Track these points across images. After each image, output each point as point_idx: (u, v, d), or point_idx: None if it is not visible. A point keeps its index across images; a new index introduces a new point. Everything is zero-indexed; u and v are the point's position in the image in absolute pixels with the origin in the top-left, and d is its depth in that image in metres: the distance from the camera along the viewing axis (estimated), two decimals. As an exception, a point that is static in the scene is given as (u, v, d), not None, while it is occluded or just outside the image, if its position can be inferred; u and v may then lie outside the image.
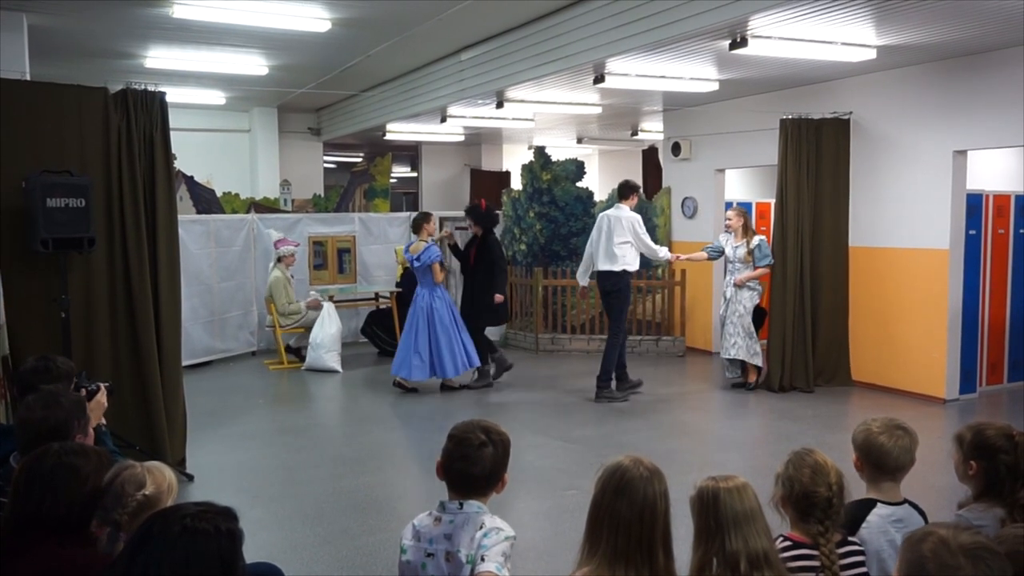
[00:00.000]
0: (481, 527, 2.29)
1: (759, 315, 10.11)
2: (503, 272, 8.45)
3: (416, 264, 7.93)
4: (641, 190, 8.33)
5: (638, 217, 7.73)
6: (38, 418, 2.75)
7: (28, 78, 6.30)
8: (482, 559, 2.23)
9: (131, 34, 7.70)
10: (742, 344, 7.91)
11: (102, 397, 3.48)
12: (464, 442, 2.36)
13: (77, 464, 2.27)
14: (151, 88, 5.50)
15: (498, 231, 10.94)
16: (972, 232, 7.65)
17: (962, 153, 7.41)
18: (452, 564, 2.29)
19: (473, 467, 2.34)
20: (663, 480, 2.14)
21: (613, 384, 7.73)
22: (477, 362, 8.01)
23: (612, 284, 7.63)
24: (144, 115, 5.45)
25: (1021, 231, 8.11)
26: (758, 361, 7.99)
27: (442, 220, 11.31)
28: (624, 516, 2.06)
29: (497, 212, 8.76)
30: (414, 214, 8.58)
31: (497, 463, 2.38)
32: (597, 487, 2.14)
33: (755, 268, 7.84)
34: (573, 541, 2.21)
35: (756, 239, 7.84)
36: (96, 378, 3.88)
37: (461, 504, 2.35)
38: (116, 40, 7.94)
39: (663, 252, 7.98)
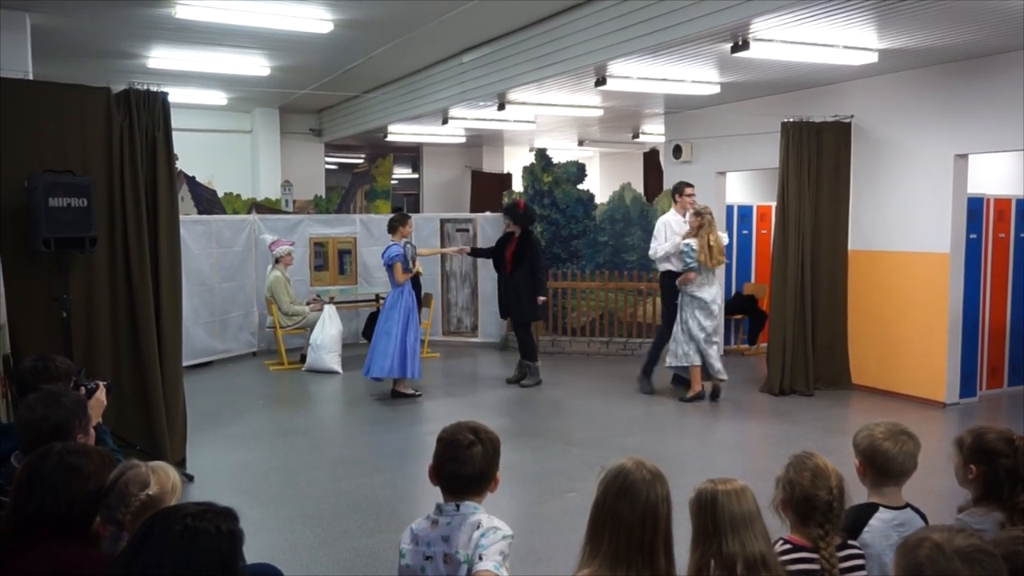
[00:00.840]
0: (478, 527, 2.29)
1: (759, 318, 10.13)
2: (545, 272, 8.60)
3: (382, 262, 7.95)
4: (688, 190, 8.06)
5: (664, 220, 7.92)
6: (39, 417, 2.75)
7: (31, 78, 6.31)
8: (480, 558, 2.23)
9: (134, 34, 7.72)
10: (682, 352, 7.64)
11: (101, 395, 3.47)
12: (453, 444, 2.37)
13: (79, 464, 2.27)
14: (153, 88, 5.52)
15: (498, 233, 11.00)
16: (973, 236, 7.65)
17: (963, 157, 7.42)
18: (450, 565, 2.30)
19: (464, 468, 2.35)
20: (665, 483, 2.14)
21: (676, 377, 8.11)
22: (414, 374, 7.67)
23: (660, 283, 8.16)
24: (146, 115, 5.47)
25: (1022, 235, 8.11)
26: (688, 362, 7.64)
27: (443, 222, 11.34)
28: (626, 519, 2.06)
29: (535, 210, 8.78)
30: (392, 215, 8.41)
31: (488, 462, 2.38)
32: (599, 489, 2.14)
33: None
34: (573, 543, 2.21)
35: (685, 242, 7.56)
36: (95, 377, 3.88)
37: (458, 506, 2.35)
38: (119, 40, 7.95)
39: (655, 252, 7.82)
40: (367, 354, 7.91)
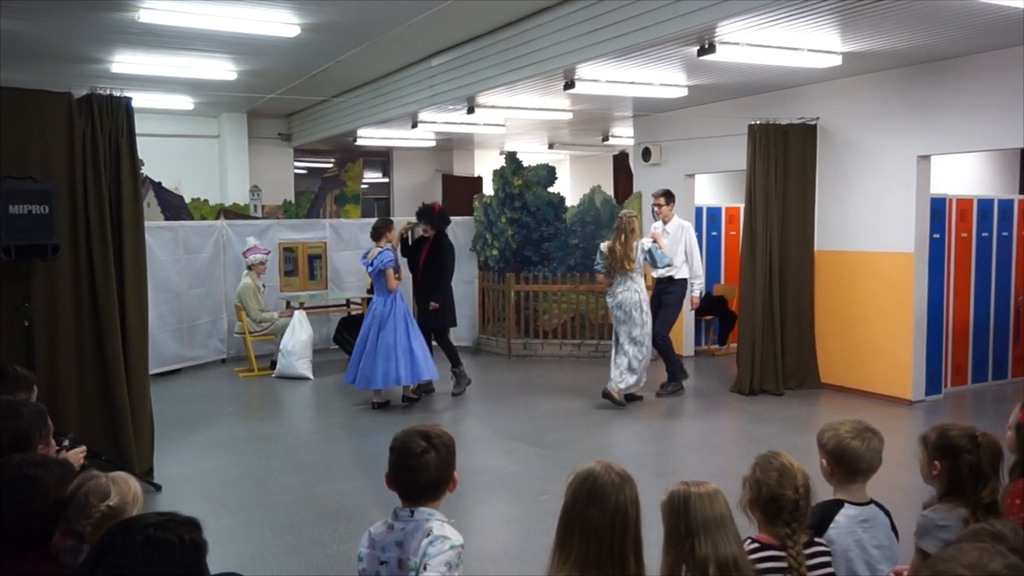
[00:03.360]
0: (429, 535, 2.29)
1: (729, 319, 10.19)
2: (450, 278, 8.12)
3: (370, 269, 7.58)
4: (655, 200, 8.34)
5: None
6: (-2, 429, 2.70)
7: (-10, 83, 6.19)
8: (425, 567, 2.24)
9: (96, 38, 7.60)
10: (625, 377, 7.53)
11: (80, 454, 3.44)
12: (406, 452, 2.36)
13: (39, 476, 2.23)
14: (116, 93, 5.44)
15: (470, 236, 10.99)
16: (936, 236, 7.78)
17: (926, 158, 7.54)
18: (403, 571, 2.31)
19: (419, 476, 2.34)
20: (634, 486, 2.14)
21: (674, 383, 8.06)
22: (433, 375, 7.58)
23: None
24: (110, 120, 5.39)
25: (983, 234, 8.27)
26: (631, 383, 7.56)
27: (414, 225, 11.30)
28: (595, 523, 2.06)
29: (449, 215, 8.42)
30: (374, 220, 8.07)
31: (443, 466, 2.38)
32: (568, 494, 2.14)
33: None
34: (545, 546, 2.21)
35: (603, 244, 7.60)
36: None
37: (412, 512, 2.35)
38: (81, 45, 7.83)
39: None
40: (356, 364, 7.46)
